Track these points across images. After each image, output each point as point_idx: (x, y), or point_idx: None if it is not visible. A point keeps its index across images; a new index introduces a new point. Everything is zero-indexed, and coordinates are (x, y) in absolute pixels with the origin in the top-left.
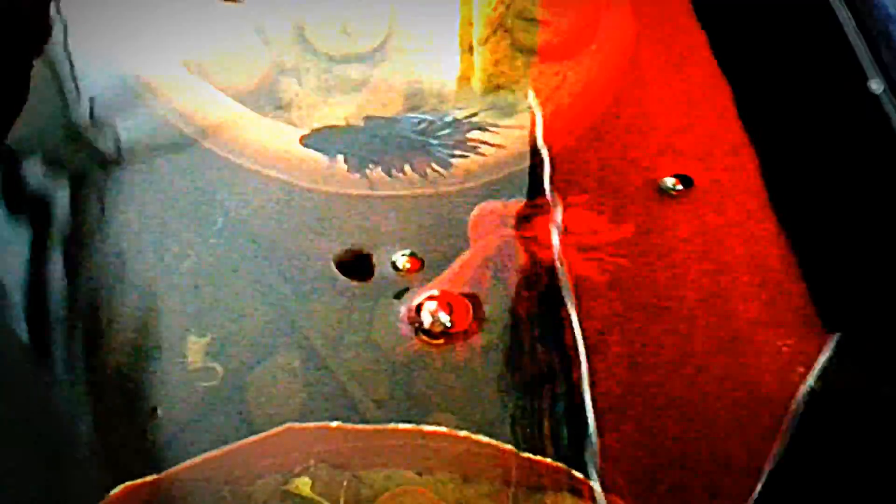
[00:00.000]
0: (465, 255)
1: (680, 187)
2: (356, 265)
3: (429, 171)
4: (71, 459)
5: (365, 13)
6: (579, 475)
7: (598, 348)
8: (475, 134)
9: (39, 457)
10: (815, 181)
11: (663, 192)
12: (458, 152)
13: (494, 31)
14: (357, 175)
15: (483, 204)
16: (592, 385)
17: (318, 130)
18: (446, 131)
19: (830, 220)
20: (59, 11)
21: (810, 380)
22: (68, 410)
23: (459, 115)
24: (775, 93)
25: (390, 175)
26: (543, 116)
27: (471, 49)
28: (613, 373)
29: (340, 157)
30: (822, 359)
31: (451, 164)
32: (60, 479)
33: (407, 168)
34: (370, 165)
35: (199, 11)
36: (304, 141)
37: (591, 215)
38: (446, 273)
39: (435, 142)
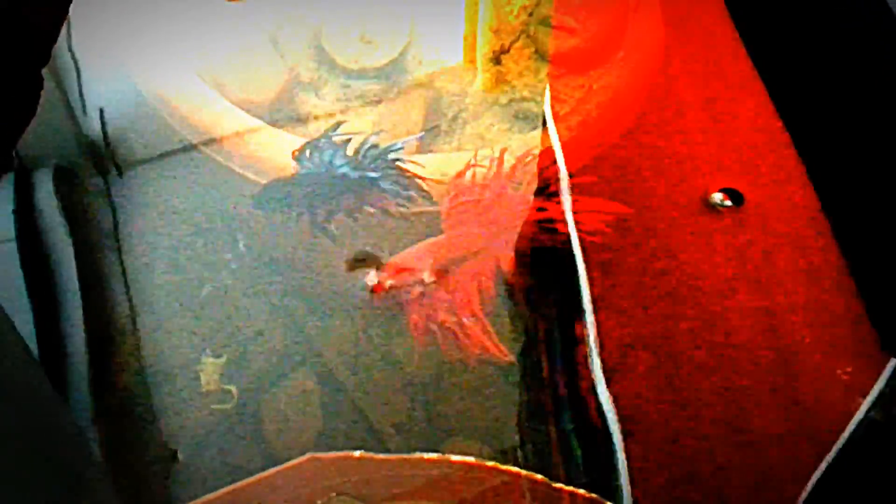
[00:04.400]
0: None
1: (728, 203)
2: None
3: (392, 208)
4: (82, 488)
5: (384, 21)
6: None
7: (628, 368)
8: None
9: (50, 485)
10: (870, 193)
11: (711, 207)
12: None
13: (517, 39)
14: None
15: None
16: (621, 409)
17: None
18: (378, 160)
19: (889, 237)
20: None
21: (871, 409)
22: (78, 436)
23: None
24: (819, 98)
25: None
26: (569, 129)
27: (493, 59)
28: (646, 397)
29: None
30: (882, 386)
31: (410, 198)
32: None
33: (367, 208)
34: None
35: (212, 21)
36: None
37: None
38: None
39: (376, 175)
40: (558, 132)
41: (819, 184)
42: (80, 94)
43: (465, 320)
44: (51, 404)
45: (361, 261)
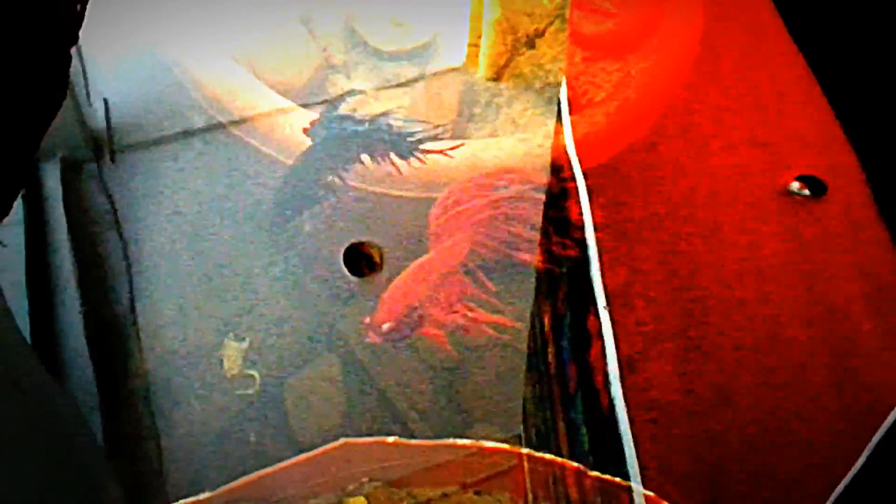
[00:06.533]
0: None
1: (806, 192)
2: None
3: (387, 161)
4: (105, 473)
5: (416, 4)
6: (650, 493)
7: (653, 358)
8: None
9: (71, 472)
10: None
11: (789, 195)
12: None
13: (552, 22)
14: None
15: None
16: (646, 399)
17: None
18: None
19: None
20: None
21: None
22: (77, 423)
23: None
24: (866, 79)
25: (345, 173)
26: (607, 114)
27: (528, 44)
28: (676, 388)
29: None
30: None
31: (412, 154)
32: (98, 496)
33: (365, 158)
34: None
35: (246, 3)
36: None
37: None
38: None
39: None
40: (595, 118)
41: (871, 173)
42: (85, 84)
43: (469, 314)
44: (46, 390)
45: (359, 252)
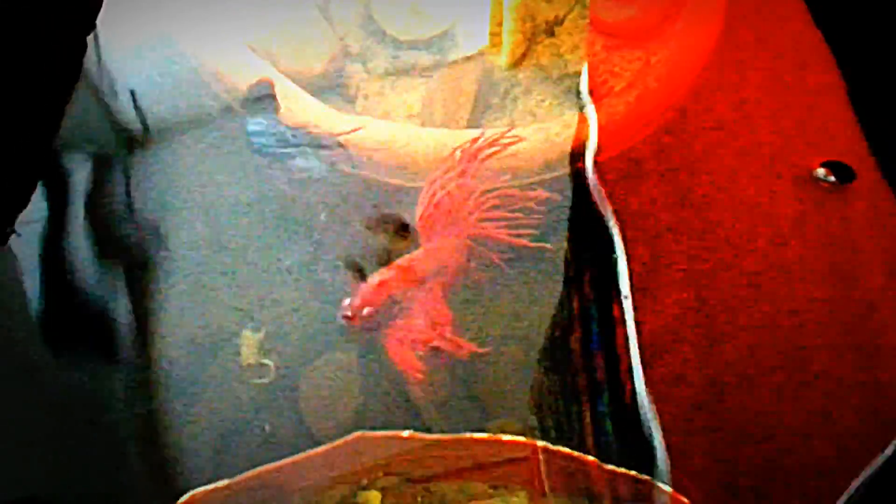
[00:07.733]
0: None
1: (832, 178)
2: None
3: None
4: (122, 463)
5: None
6: (667, 489)
7: (677, 350)
8: None
9: (91, 461)
10: None
11: (815, 181)
12: None
13: (572, 10)
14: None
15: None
16: (663, 391)
17: None
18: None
19: None
20: None
21: None
22: (118, 411)
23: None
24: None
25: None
26: (627, 103)
27: (546, 31)
28: (693, 382)
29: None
30: None
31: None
32: (116, 486)
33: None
34: None
35: None
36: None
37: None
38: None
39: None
40: (614, 107)
41: (886, 165)
42: (107, 75)
43: (446, 335)
44: (62, 378)
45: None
